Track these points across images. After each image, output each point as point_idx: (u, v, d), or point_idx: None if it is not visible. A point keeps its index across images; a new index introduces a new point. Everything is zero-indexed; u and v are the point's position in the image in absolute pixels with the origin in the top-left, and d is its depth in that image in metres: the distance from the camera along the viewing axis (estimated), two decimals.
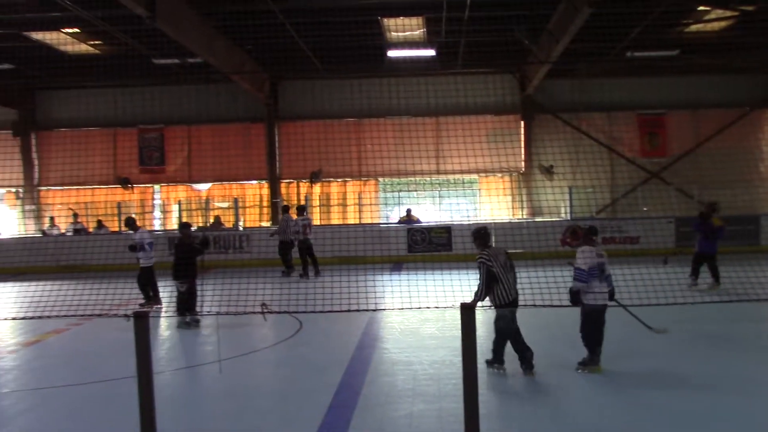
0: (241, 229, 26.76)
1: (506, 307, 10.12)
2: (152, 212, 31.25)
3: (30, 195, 30.70)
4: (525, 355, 10.40)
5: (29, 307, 16.76)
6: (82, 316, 15.95)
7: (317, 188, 30.19)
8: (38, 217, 30.33)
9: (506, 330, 10.35)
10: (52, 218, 28.66)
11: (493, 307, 10.24)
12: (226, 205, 29.86)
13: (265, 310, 13.87)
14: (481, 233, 10.49)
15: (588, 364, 10.45)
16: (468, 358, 4.96)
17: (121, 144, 30.28)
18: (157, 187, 31.09)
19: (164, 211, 31.16)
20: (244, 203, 29.55)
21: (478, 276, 10.13)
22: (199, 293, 14.82)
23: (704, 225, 17.28)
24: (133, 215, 18.69)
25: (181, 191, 30.81)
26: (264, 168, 29.96)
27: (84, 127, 30.11)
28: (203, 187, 30.76)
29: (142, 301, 17.03)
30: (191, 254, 14.85)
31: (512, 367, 10.55)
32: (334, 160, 29.29)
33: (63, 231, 27.63)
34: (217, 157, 29.66)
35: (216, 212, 29.23)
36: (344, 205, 29.89)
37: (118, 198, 29.76)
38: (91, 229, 28.33)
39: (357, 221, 28.59)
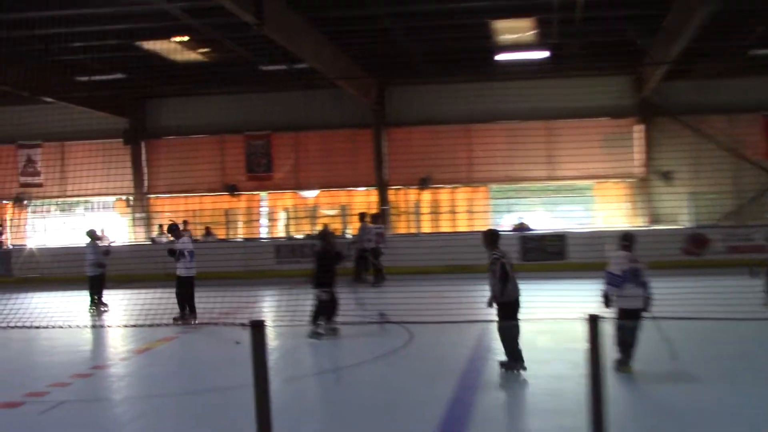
0: (348, 237, 26.86)
1: (512, 304, 10.98)
2: (259, 220, 31.72)
3: (140, 202, 31.54)
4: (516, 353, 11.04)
5: (140, 315, 17.25)
6: (191, 324, 16.36)
7: (426, 195, 30.15)
8: (148, 225, 31.16)
9: (512, 335, 11.03)
10: (160, 226, 29.27)
11: (495, 305, 11.04)
12: (333, 212, 30.10)
13: (383, 320, 14.01)
14: (491, 234, 11.49)
15: (620, 364, 10.79)
16: (594, 371, 4.83)
17: (228, 151, 30.86)
18: (263, 194, 31.57)
19: (271, 219, 31.58)
20: (351, 211, 29.63)
21: (491, 275, 10.94)
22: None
23: None
24: (177, 222, 18.81)
25: (288, 198, 31.24)
26: (372, 175, 30.10)
27: (192, 134, 30.78)
28: (310, 194, 31.08)
29: (178, 315, 16.88)
30: (333, 262, 14.94)
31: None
32: (443, 167, 29.23)
33: (171, 239, 28.06)
34: (324, 164, 29.97)
35: (323, 220, 29.35)
36: (454, 213, 29.78)
37: (226, 205, 30.33)
38: (199, 237, 28.86)
39: (467, 229, 28.37)
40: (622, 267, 10.70)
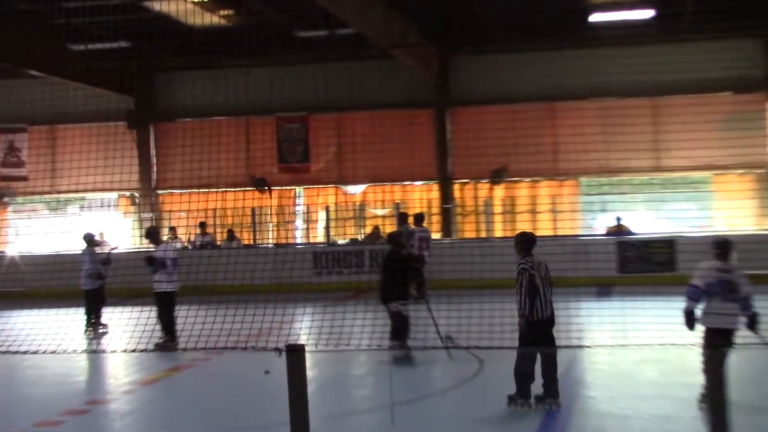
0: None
1: (539, 325, 11.20)
2: (293, 221, 31.88)
3: (148, 200, 31.79)
4: (553, 386, 11.33)
5: (148, 338, 17.24)
6: (210, 349, 16.30)
7: (500, 190, 30.11)
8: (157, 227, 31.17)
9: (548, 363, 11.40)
10: (173, 228, 29.36)
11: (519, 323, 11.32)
12: (384, 212, 30.12)
13: (451, 345, 14.24)
14: (524, 238, 11.86)
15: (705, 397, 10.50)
16: (717, 413, 4.75)
17: (255, 137, 31.03)
18: (299, 189, 31.77)
19: (308, 220, 31.78)
20: (408, 210, 29.50)
21: (517, 286, 11.25)
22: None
23: None
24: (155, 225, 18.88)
25: (329, 195, 31.31)
26: (432, 166, 30.16)
27: (211, 116, 30.85)
28: (357, 189, 31.25)
29: (161, 340, 16.75)
30: (408, 267, 15.16)
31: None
32: (521, 155, 29.04)
33: (186, 244, 28.33)
34: (374, 152, 29.95)
35: (374, 222, 29.62)
36: (535, 212, 29.67)
37: (253, 203, 29.87)
38: (220, 242, 29.11)
39: (552, 232, 28.26)
40: (707, 279, 10.88)
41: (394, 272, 14.96)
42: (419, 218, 23.75)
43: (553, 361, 11.34)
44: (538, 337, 11.13)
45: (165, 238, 28.19)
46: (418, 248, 22.51)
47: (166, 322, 16.96)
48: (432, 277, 22.09)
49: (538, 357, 11.29)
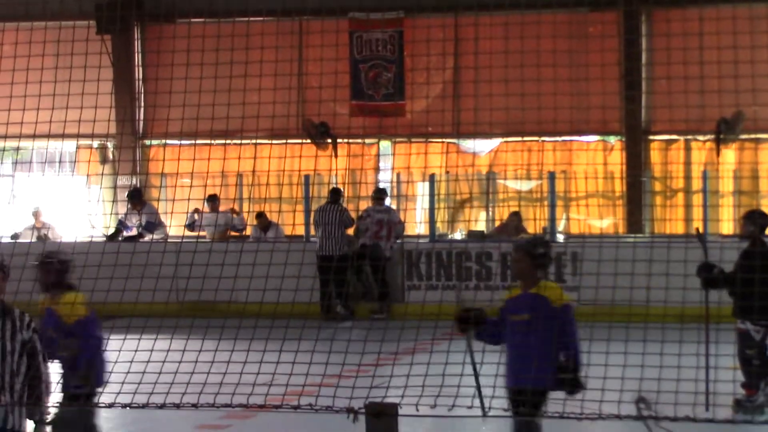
0: (560, 239, 26.82)
1: None
2: (375, 194, 30.52)
3: (129, 154, 31.93)
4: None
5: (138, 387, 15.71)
6: (245, 407, 14.68)
7: (730, 154, 29.18)
8: (138, 200, 30.45)
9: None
10: (213, 199, 28.70)
11: None
12: (531, 186, 30.15)
13: (647, 413, 12.68)
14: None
15: None
16: None
17: (313, 53, 29.68)
18: (385, 144, 31.29)
19: (398, 196, 31.08)
20: (571, 182, 29.35)
21: None
22: None
23: None
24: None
25: (436, 155, 30.67)
26: (615, 109, 30.28)
27: (237, 15, 29.13)
28: (483, 147, 31.11)
29: None
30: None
31: None
32: None
33: (201, 232, 28.37)
34: (515, 84, 28.05)
35: (512, 202, 29.10)
36: None
37: (306, 164, 29.50)
38: (247, 231, 29.66)
39: None
40: None
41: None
42: (379, 193, 26.81)
43: None
44: None
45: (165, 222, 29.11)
46: (374, 235, 25.06)
47: None
48: (585, 297, 21.09)
49: None
